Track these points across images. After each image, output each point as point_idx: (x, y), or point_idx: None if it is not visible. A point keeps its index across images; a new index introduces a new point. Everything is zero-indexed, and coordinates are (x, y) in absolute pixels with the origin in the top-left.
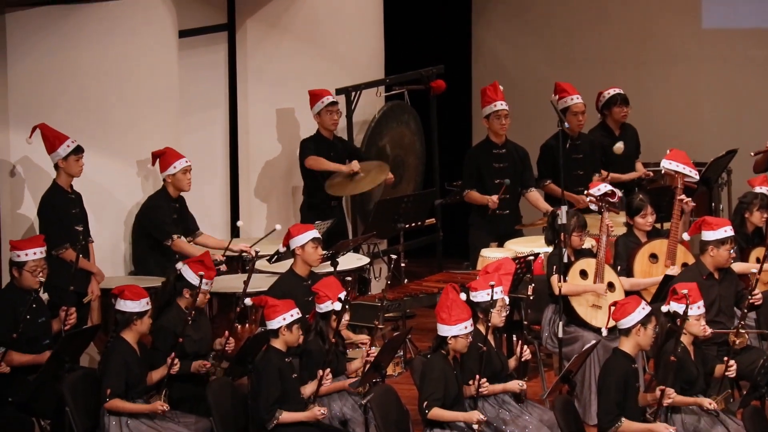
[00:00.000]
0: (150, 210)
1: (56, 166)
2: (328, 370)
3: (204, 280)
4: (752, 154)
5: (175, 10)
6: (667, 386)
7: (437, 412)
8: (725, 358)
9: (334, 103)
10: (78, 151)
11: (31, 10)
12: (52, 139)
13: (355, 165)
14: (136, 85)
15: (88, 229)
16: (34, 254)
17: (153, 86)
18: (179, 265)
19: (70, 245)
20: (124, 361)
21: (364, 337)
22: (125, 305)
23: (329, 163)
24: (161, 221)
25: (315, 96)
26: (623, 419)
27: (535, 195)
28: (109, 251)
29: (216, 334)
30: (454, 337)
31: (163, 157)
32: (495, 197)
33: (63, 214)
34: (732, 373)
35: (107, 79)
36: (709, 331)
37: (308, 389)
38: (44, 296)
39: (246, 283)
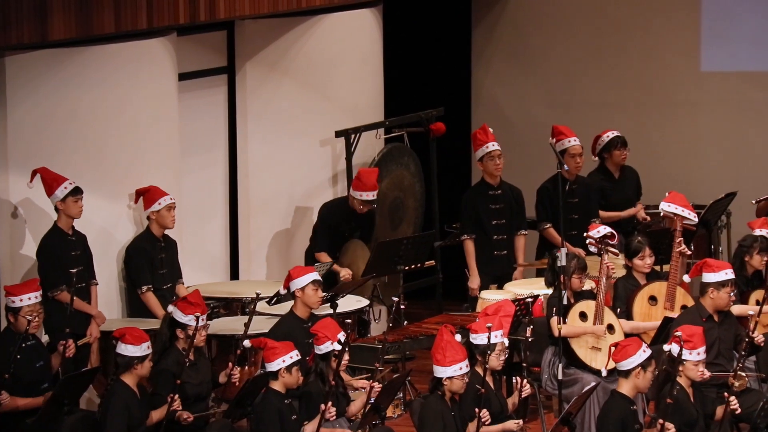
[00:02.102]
0: (130, 253)
1: (56, 208)
2: (330, 403)
3: (199, 318)
4: (753, 202)
5: (175, 52)
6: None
7: None
8: (725, 395)
9: (371, 202)
10: (76, 192)
11: (31, 53)
12: (50, 182)
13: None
14: (137, 128)
15: (93, 271)
16: (29, 299)
17: (153, 128)
18: (170, 308)
19: (67, 287)
20: (126, 405)
21: (363, 382)
22: (126, 349)
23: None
24: (137, 268)
25: (360, 183)
26: None
27: (521, 242)
28: (107, 293)
29: (216, 377)
30: (450, 378)
31: (147, 194)
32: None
33: (61, 256)
34: (734, 406)
35: (107, 121)
36: (707, 374)
37: (308, 429)
38: (45, 338)
39: (247, 325)
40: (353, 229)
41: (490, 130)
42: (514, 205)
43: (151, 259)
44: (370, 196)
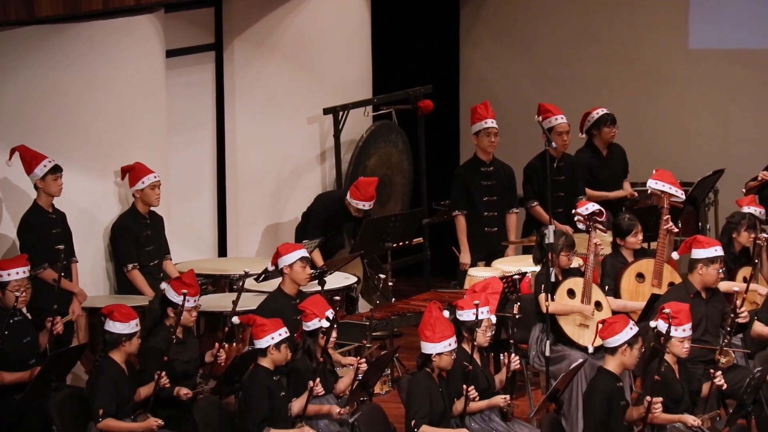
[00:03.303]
0: (115, 231)
1: (36, 187)
2: (318, 380)
3: (188, 298)
4: (744, 190)
5: (163, 29)
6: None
7: (426, 430)
8: (711, 371)
9: (366, 211)
10: (55, 170)
11: (17, 29)
12: (29, 160)
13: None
14: (123, 105)
15: (72, 249)
16: (17, 274)
17: (140, 105)
18: (163, 286)
19: (50, 265)
20: (113, 381)
21: (351, 359)
22: (114, 326)
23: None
24: (122, 246)
25: (358, 194)
26: None
27: (512, 220)
28: (92, 270)
29: (204, 354)
30: (438, 354)
31: (132, 171)
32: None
33: (42, 234)
34: (720, 381)
35: (94, 98)
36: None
37: (296, 405)
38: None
39: (235, 302)
40: (346, 222)
41: (491, 108)
42: (505, 183)
43: (137, 237)
44: (366, 206)
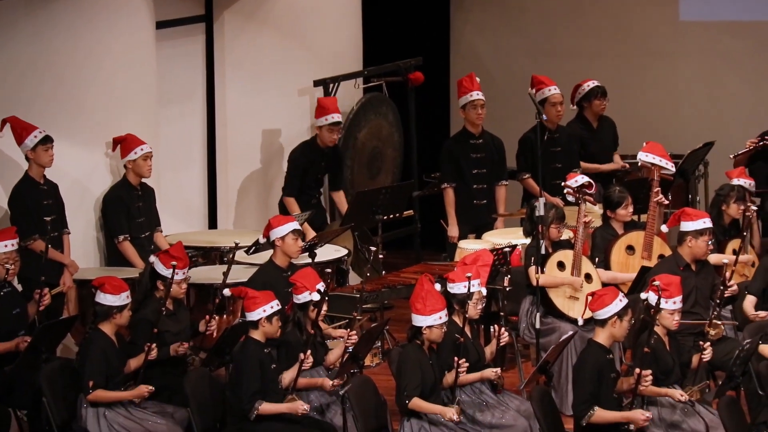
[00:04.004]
0: (107, 202)
1: (27, 158)
2: (309, 353)
3: (177, 271)
4: (731, 156)
5: (152, 1)
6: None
7: (417, 402)
8: (700, 343)
9: (338, 123)
10: (46, 141)
11: (4, 1)
12: (20, 131)
13: (308, 231)
14: (113, 77)
15: (65, 220)
16: (5, 246)
17: (130, 77)
18: (152, 259)
19: (40, 236)
20: (104, 353)
21: (341, 331)
22: (105, 299)
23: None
24: (114, 217)
25: (322, 108)
26: (596, 408)
27: (502, 192)
28: (84, 242)
29: (195, 326)
30: (429, 327)
31: (124, 143)
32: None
33: (32, 205)
34: (708, 356)
35: (84, 70)
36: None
37: (287, 378)
38: (19, 287)
39: (225, 274)
40: (323, 170)
41: (477, 79)
42: (495, 155)
43: (128, 208)
44: (336, 117)
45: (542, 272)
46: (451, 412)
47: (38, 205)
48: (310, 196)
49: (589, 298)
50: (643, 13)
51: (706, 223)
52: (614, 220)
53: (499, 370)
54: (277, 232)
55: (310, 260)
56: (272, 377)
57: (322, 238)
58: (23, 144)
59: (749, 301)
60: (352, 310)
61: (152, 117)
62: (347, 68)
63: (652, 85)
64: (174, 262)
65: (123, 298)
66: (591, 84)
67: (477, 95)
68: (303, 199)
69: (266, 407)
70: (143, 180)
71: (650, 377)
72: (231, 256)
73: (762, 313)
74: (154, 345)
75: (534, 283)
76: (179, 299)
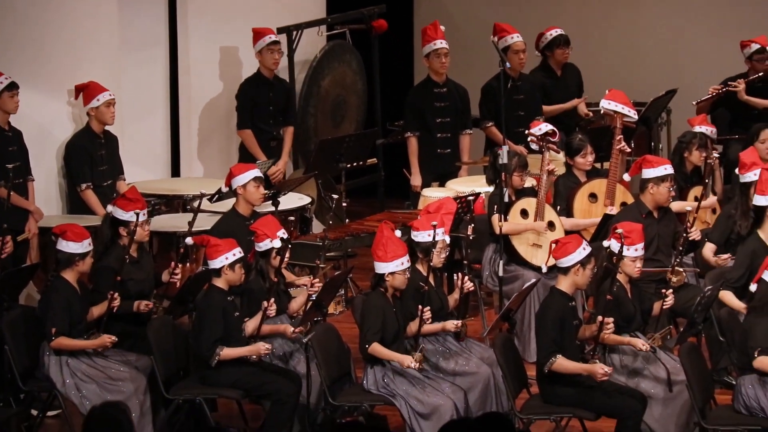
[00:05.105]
0: (69, 150)
1: None
2: (273, 301)
3: (138, 214)
4: (694, 103)
5: None
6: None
7: (376, 348)
8: (662, 290)
9: (276, 43)
10: (12, 87)
11: None
12: None
13: (281, 165)
14: (75, 22)
15: (29, 167)
16: None
17: (92, 23)
18: (109, 208)
19: (3, 183)
20: (66, 300)
21: (305, 279)
22: (67, 246)
23: (257, 149)
24: (77, 165)
25: (257, 34)
26: (558, 355)
27: (466, 141)
28: (46, 190)
29: (159, 275)
30: (392, 273)
31: (87, 90)
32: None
33: None
34: (669, 303)
35: (45, 16)
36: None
37: (250, 325)
38: None
39: (191, 223)
40: (272, 102)
41: (442, 27)
42: (459, 104)
43: (91, 156)
44: (272, 37)
45: (505, 220)
46: (409, 360)
47: (2, 151)
48: (267, 132)
49: (553, 245)
50: None
51: (667, 169)
52: (576, 168)
53: (459, 323)
54: (238, 180)
55: (273, 208)
56: (236, 325)
57: (285, 186)
58: None
59: (709, 249)
60: (315, 258)
61: (115, 64)
62: (310, 15)
63: (614, 33)
64: (137, 209)
65: (85, 246)
66: (554, 32)
67: (441, 44)
68: (261, 138)
69: (228, 352)
70: (106, 128)
71: (612, 325)
72: (197, 204)
73: (723, 256)
74: (116, 294)
75: (497, 231)
76: (143, 246)
